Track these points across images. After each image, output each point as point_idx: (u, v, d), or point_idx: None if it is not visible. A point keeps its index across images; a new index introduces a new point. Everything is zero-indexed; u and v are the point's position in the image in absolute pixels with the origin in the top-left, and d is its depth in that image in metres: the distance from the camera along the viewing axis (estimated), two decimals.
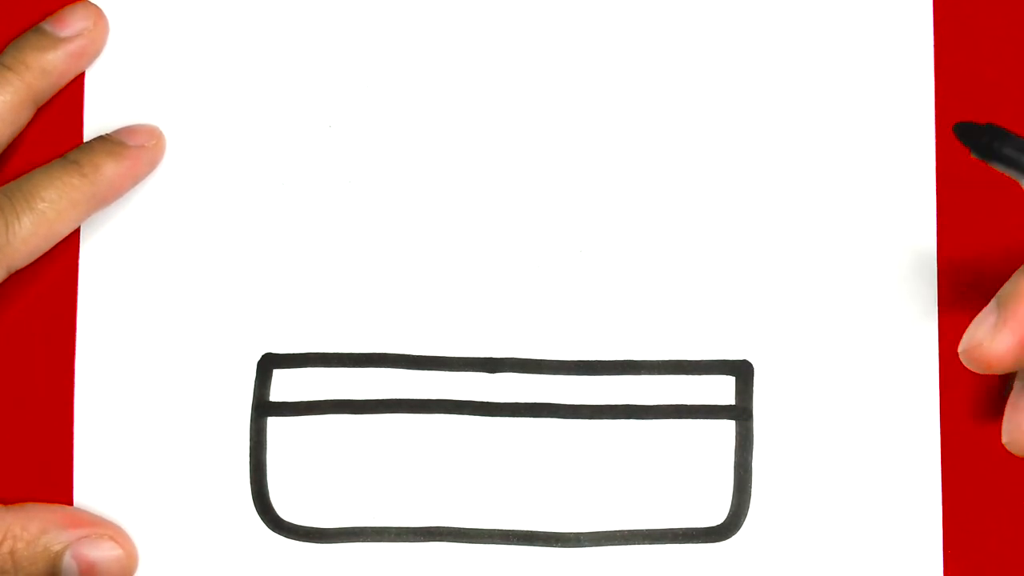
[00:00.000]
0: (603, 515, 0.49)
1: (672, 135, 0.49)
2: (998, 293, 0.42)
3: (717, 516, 0.49)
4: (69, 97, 0.50)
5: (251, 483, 0.49)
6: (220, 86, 0.50)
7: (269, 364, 0.49)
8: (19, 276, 0.48)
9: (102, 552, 0.47)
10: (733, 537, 0.48)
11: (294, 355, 0.49)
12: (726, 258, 0.49)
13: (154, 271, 0.49)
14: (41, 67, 0.48)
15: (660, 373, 0.49)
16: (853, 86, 0.49)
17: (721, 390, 0.49)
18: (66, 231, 0.47)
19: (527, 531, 0.49)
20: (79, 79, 0.50)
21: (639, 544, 0.48)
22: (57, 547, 0.46)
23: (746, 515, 0.48)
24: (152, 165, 0.49)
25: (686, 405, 0.49)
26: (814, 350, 0.49)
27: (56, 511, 0.47)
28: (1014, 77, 0.50)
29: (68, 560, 0.46)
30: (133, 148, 0.48)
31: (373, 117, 0.50)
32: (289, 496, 0.49)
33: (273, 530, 0.49)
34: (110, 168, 0.47)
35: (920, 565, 0.48)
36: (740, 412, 0.49)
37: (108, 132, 0.49)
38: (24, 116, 0.48)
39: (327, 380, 0.49)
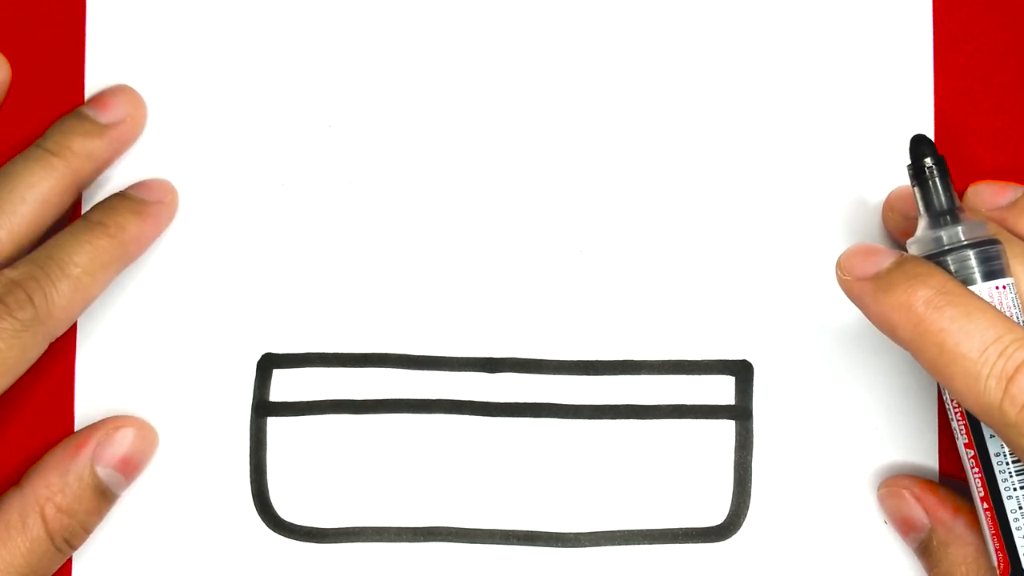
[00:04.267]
0: (603, 515, 0.49)
1: (672, 136, 0.49)
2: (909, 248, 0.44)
3: (717, 516, 0.49)
4: (69, 97, 0.50)
5: (251, 483, 0.49)
6: (220, 87, 0.50)
7: (269, 364, 0.49)
8: None
9: (121, 444, 0.47)
10: (733, 537, 0.48)
11: (294, 355, 0.49)
12: (726, 259, 0.49)
13: (154, 271, 0.49)
14: (87, 153, 0.48)
15: (660, 373, 0.49)
16: (853, 87, 0.49)
17: (721, 390, 0.49)
18: (99, 293, 0.47)
19: (527, 531, 0.49)
20: (79, 80, 0.50)
21: (639, 544, 0.48)
22: (86, 473, 0.47)
23: (746, 515, 0.48)
24: (171, 219, 0.49)
25: (686, 405, 0.49)
26: (814, 350, 0.49)
27: (58, 452, 0.47)
28: (1014, 77, 0.50)
29: (102, 473, 0.47)
30: (153, 204, 0.48)
31: (373, 117, 0.50)
32: (289, 496, 0.49)
33: (273, 530, 0.49)
34: (135, 227, 0.47)
35: (918, 565, 0.48)
36: (740, 412, 0.49)
37: (123, 189, 0.49)
38: (68, 201, 0.48)
39: (327, 380, 0.49)
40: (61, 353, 0.49)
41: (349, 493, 0.49)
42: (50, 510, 0.46)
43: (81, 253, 0.46)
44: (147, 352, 0.49)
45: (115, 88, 0.49)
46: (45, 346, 0.45)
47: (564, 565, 0.48)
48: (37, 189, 0.47)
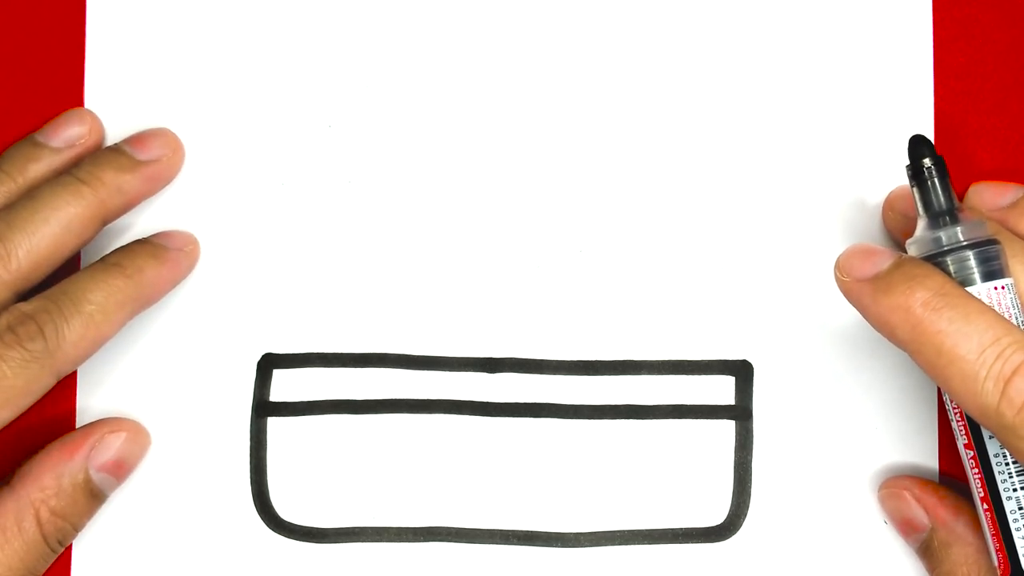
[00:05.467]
0: (603, 515, 0.49)
1: (671, 136, 0.49)
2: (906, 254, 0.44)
3: (717, 516, 0.49)
4: (69, 97, 0.50)
5: (251, 483, 0.49)
6: (220, 86, 0.50)
7: (269, 364, 0.49)
8: None
9: (114, 448, 0.47)
10: (733, 537, 0.48)
11: (294, 355, 0.49)
12: (726, 259, 0.49)
13: None
14: (117, 186, 0.47)
15: (660, 373, 0.49)
16: (853, 87, 0.49)
17: (721, 390, 0.49)
18: (112, 333, 0.46)
19: (527, 531, 0.49)
20: (79, 79, 0.50)
21: (639, 544, 0.48)
22: (80, 477, 0.47)
23: (746, 515, 0.48)
24: (190, 269, 0.49)
25: (686, 405, 0.49)
26: (814, 350, 0.49)
27: (51, 453, 0.47)
28: (1014, 77, 0.50)
29: (95, 477, 0.47)
30: (173, 251, 0.48)
31: (373, 117, 0.50)
32: (289, 496, 0.49)
33: (273, 530, 0.49)
34: (152, 270, 0.47)
35: (919, 564, 0.48)
36: (740, 412, 0.49)
37: (146, 236, 0.49)
38: (91, 231, 0.47)
39: (327, 380, 0.49)
40: None
41: (349, 493, 0.49)
42: (44, 513, 0.46)
43: (96, 291, 0.46)
44: (148, 352, 0.49)
45: (156, 129, 0.49)
46: (53, 382, 0.45)
47: (564, 565, 0.48)
48: (62, 213, 0.46)
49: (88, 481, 0.47)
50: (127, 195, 0.48)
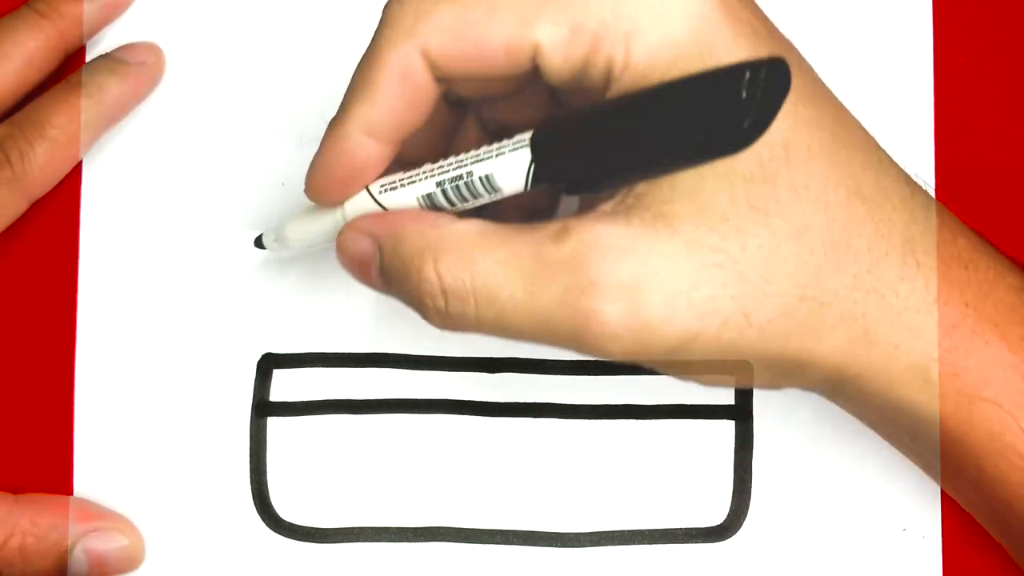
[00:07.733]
0: (603, 515, 0.49)
1: None
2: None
3: (717, 516, 0.49)
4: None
5: (251, 483, 0.49)
6: (220, 86, 0.50)
7: (269, 364, 0.49)
8: (19, 272, 0.48)
9: (111, 544, 0.47)
10: (733, 537, 0.48)
11: (294, 355, 0.49)
12: None
13: (154, 271, 0.49)
14: (76, 16, 0.47)
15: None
16: (853, 86, 0.49)
17: (721, 390, 0.49)
18: (79, 156, 0.47)
19: (527, 531, 0.49)
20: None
21: (639, 544, 0.48)
22: (67, 543, 0.46)
23: (746, 515, 0.48)
24: (154, 83, 0.49)
25: (686, 405, 0.49)
26: None
27: (63, 503, 0.47)
28: (1014, 77, 0.50)
29: (78, 554, 0.47)
30: (135, 66, 0.48)
31: None
32: (289, 496, 0.49)
33: (273, 530, 0.49)
34: (114, 88, 0.47)
35: (919, 565, 0.48)
36: (740, 412, 0.49)
37: (109, 52, 0.48)
38: (53, 63, 0.47)
39: (327, 380, 0.49)
40: (61, 353, 0.49)
41: (349, 493, 0.49)
42: (13, 545, 0.46)
43: (59, 114, 0.46)
44: (147, 351, 0.49)
45: None
46: (24, 207, 0.46)
47: (564, 565, 0.48)
48: (23, 48, 0.47)
49: (68, 551, 0.46)
50: (86, 24, 0.48)
